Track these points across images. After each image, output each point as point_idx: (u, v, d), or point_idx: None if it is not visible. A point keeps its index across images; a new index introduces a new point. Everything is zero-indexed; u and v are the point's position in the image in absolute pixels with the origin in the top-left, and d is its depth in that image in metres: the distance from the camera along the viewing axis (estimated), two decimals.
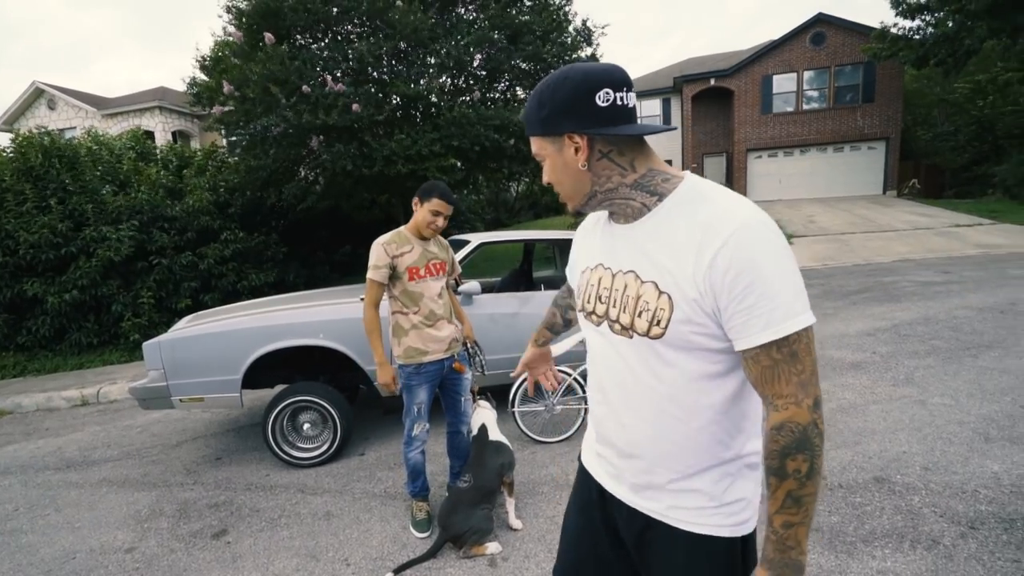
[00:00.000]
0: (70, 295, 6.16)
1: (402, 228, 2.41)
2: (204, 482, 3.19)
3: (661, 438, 0.87)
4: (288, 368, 3.63)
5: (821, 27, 17.82)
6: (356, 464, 3.26)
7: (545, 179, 0.90)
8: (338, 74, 7.11)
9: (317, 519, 2.65)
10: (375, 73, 7.69)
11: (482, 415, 2.62)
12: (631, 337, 0.85)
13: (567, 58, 8.18)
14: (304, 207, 7.99)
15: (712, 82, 18.74)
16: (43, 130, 7.38)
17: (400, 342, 2.38)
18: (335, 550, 2.38)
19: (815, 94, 18.34)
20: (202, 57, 8.13)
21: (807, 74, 18.13)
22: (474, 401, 2.70)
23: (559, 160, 0.86)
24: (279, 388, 3.90)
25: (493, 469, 2.36)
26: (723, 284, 0.74)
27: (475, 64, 8.28)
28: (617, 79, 0.80)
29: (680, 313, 0.78)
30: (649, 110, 20.92)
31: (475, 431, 2.57)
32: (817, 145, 18.54)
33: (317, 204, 8.09)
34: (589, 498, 1.03)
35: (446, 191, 2.31)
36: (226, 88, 6.78)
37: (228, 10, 7.36)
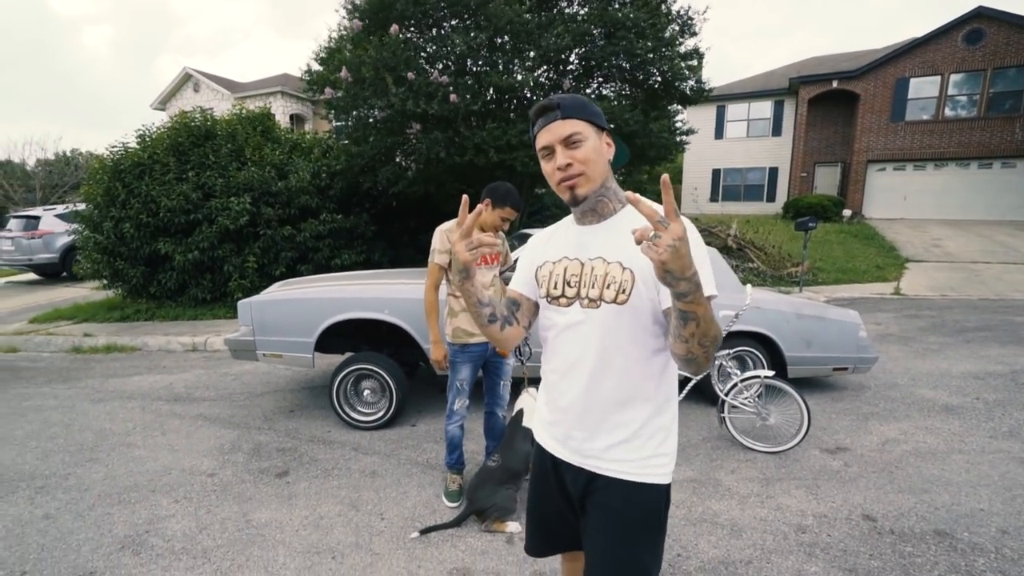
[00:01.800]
0: (193, 255, 7.11)
1: None
2: (277, 429, 3.63)
3: (612, 390, 1.08)
4: (358, 338, 3.98)
5: (980, 23, 15.65)
6: (406, 433, 3.53)
7: (581, 155, 1.06)
8: (440, 67, 7.50)
9: (364, 476, 2.94)
10: (473, 66, 8.01)
11: (524, 401, 2.74)
12: (598, 307, 1.06)
13: (665, 52, 7.98)
14: (396, 190, 8.51)
15: (834, 84, 17.20)
16: (198, 109, 8.51)
17: (451, 322, 2.58)
18: (374, 504, 2.64)
19: (963, 100, 16.21)
20: (319, 48, 8.92)
21: (954, 77, 16.07)
22: (526, 386, 2.84)
23: (599, 146, 1.08)
24: (348, 355, 4.27)
25: (522, 454, 2.49)
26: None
27: (572, 59, 8.32)
28: None
29: (640, 282, 1.03)
30: (758, 113, 19.69)
31: (514, 414, 2.70)
32: (958, 159, 16.42)
33: (409, 188, 8.58)
34: (544, 468, 1.25)
35: (517, 199, 2.46)
36: (343, 73, 7.39)
37: (345, 7, 8.02)
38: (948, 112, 16.32)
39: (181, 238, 7.30)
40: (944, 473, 2.89)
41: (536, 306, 1.23)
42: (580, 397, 1.10)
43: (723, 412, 3.27)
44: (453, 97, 6.97)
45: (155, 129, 8.05)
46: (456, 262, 1.07)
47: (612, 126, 7.64)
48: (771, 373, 3.22)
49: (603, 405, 1.09)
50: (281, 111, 20.55)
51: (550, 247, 1.19)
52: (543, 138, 1.07)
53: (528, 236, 3.97)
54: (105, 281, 7.76)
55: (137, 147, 7.72)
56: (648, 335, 1.05)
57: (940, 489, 2.72)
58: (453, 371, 2.61)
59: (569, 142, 1.05)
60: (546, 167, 1.11)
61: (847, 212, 16.50)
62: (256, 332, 3.63)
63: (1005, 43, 15.46)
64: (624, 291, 1.03)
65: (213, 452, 3.28)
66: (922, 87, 16.42)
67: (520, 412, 2.67)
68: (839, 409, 3.87)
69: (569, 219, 1.20)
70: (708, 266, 0.98)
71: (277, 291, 3.82)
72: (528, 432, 2.57)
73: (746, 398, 3.27)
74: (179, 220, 7.16)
